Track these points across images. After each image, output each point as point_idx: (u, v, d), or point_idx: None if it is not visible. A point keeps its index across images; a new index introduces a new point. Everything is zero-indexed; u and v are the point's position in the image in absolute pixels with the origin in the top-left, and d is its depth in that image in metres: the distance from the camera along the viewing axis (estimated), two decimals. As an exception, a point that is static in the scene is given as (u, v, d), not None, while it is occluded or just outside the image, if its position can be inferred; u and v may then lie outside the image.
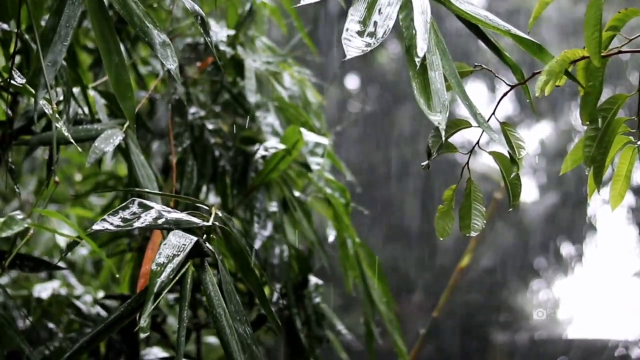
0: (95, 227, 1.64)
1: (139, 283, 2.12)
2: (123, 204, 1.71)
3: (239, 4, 3.03)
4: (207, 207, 1.87)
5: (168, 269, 1.60)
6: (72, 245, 1.67)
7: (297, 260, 2.88)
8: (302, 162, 2.77)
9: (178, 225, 1.73)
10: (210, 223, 1.78)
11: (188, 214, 1.78)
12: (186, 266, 1.66)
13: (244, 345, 1.67)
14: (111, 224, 1.66)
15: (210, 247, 1.73)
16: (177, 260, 1.63)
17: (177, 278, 1.62)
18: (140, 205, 1.72)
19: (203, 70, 2.93)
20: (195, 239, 1.69)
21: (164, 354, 2.74)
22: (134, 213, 1.70)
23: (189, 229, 1.74)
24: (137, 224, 1.68)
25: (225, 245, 1.84)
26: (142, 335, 1.50)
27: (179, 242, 1.67)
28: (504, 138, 1.71)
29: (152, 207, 1.72)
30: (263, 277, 2.27)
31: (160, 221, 1.71)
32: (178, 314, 1.64)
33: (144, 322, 1.49)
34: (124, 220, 1.68)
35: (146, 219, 1.70)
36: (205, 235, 1.76)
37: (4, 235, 1.51)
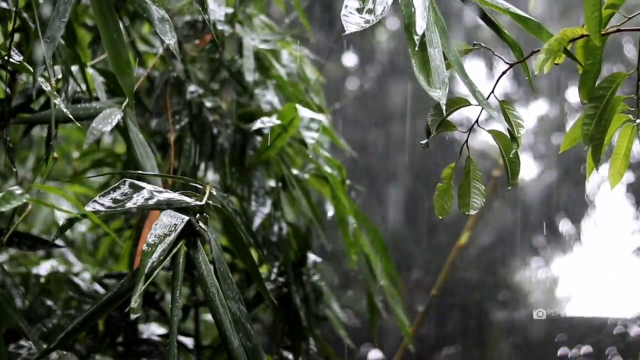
0: (86, 208, 1.63)
1: (136, 261, 2.11)
2: (114, 185, 1.71)
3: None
4: (202, 186, 1.86)
5: (159, 249, 1.60)
6: (69, 223, 1.66)
7: (296, 238, 2.89)
8: (300, 139, 2.77)
9: (170, 205, 1.72)
10: (203, 202, 1.77)
11: (182, 193, 1.77)
12: (178, 246, 1.66)
13: (237, 323, 1.67)
14: (102, 204, 1.65)
15: (202, 226, 1.72)
16: (168, 240, 1.62)
17: (168, 258, 1.62)
18: (131, 185, 1.72)
19: (201, 48, 2.92)
20: (186, 218, 1.69)
21: (162, 330, 2.75)
22: (125, 194, 1.70)
23: (182, 208, 1.74)
24: (128, 205, 1.68)
25: (220, 224, 1.83)
26: (134, 316, 1.49)
27: (170, 222, 1.66)
28: (503, 116, 1.71)
29: (143, 188, 1.72)
30: (259, 255, 2.27)
31: (151, 201, 1.70)
32: (171, 293, 1.64)
33: (134, 303, 1.49)
34: (115, 201, 1.67)
35: (138, 199, 1.69)
36: (198, 214, 1.76)
37: (2, 209, 1.51)
